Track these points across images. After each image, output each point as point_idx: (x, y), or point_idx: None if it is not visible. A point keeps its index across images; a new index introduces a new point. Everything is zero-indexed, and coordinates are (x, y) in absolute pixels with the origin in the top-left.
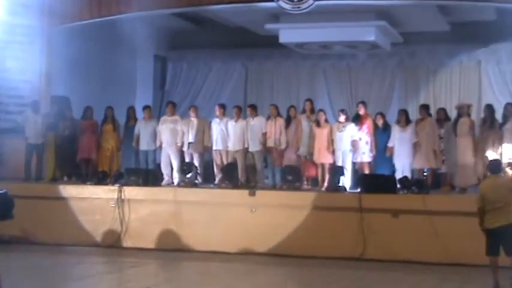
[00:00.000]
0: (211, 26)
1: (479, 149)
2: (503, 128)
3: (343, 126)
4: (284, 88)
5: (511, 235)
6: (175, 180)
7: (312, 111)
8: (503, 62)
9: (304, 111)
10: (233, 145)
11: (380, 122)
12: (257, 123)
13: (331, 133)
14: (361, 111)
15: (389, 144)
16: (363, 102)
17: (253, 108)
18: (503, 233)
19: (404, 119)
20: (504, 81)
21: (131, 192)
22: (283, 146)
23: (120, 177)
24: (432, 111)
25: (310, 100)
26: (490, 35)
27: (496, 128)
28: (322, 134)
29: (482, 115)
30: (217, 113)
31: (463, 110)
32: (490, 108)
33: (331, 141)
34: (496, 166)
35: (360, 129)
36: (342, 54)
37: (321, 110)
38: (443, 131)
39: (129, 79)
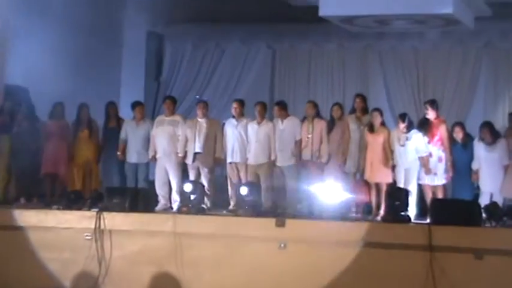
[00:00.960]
0: None
1: None
2: None
3: (406, 138)
4: (325, 79)
5: None
6: (175, 205)
7: (364, 111)
8: None
9: (353, 111)
10: (255, 157)
11: (459, 136)
12: (288, 127)
13: (389, 141)
14: (432, 115)
15: (474, 167)
16: (433, 102)
17: (283, 106)
18: None
19: (489, 135)
20: None
21: (114, 220)
22: (324, 159)
23: (99, 200)
24: None
25: (361, 96)
26: None
27: None
28: (376, 142)
29: None
30: (234, 112)
31: None
32: None
33: (389, 152)
34: None
35: (430, 141)
36: (406, 33)
37: (376, 110)
38: None
39: (111, 65)
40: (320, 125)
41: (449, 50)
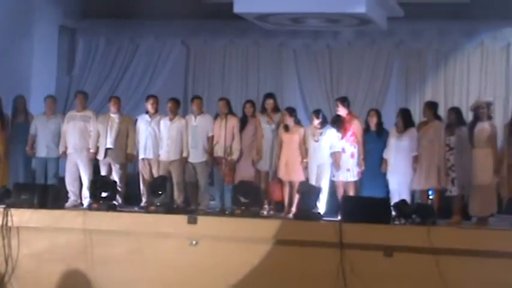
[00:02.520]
0: None
1: (503, 164)
2: None
3: (320, 134)
4: (239, 76)
5: None
6: (86, 201)
7: (275, 109)
8: None
9: (264, 110)
10: (167, 153)
11: (373, 123)
12: (201, 123)
13: (304, 140)
14: (343, 112)
15: (385, 156)
16: (344, 99)
17: (197, 102)
18: None
19: (402, 122)
20: None
21: (22, 216)
22: (235, 156)
23: (5, 196)
24: (442, 111)
25: (271, 96)
26: None
27: None
28: (291, 141)
29: (510, 117)
30: (151, 107)
31: (482, 111)
32: None
33: (304, 151)
34: None
35: (343, 137)
36: (320, 32)
37: (289, 109)
38: (453, 140)
39: (22, 58)
40: (232, 122)
41: (363, 49)
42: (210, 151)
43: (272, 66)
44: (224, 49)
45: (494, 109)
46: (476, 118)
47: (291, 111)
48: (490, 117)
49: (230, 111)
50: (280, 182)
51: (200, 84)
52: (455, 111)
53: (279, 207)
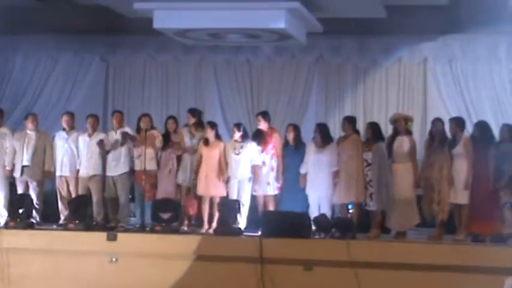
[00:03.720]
0: (59, 2)
1: (422, 178)
2: (453, 152)
3: (241, 147)
4: (160, 92)
5: None
6: (2, 219)
7: (199, 125)
8: (457, 60)
9: (187, 125)
10: (86, 169)
11: (291, 137)
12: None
13: (224, 155)
14: (264, 126)
15: (302, 171)
16: (265, 114)
17: (118, 116)
18: None
19: (320, 137)
20: (457, 86)
21: None
22: (156, 171)
23: None
24: (361, 126)
25: (194, 111)
26: (440, 24)
27: (446, 150)
28: (211, 156)
29: (428, 131)
30: (64, 124)
31: (400, 125)
32: (439, 123)
33: (224, 166)
34: None
35: (263, 151)
36: (240, 47)
37: (210, 123)
38: (371, 155)
39: None
40: (153, 137)
41: (283, 64)
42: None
43: (192, 81)
44: (144, 64)
45: (412, 124)
46: (396, 132)
47: (212, 125)
48: (409, 132)
49: (152, 127)
50: (197, 197)
51: (120, 100)
52: (373, 127)
53: (200, 222)
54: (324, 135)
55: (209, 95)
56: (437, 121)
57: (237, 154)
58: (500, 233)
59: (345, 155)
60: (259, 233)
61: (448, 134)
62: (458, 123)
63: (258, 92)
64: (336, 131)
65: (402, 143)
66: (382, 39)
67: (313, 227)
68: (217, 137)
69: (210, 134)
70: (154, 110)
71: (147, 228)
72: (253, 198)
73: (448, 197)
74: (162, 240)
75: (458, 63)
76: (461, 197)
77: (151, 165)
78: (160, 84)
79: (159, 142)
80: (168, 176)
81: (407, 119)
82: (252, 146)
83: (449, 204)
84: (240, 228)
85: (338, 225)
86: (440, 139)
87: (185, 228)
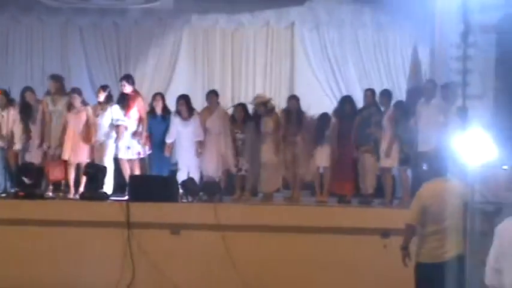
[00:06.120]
0: None
1: (287, 144)
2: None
3: (102, 109)
4: (24, 54)
5: (461, 272)
6: None
7: (61, 91)
8: (323, 25)
9: (48, 93)
10: None
11: (159, 105)
12: None
13: (92, 119)
14: (127, 89)
15: (168, 140)
16: (128, 77)
17: None
18: (452, 270)
19: (185, 108)
20: (324, 51)
21: None
22: (19, 146)
23: None
24: (229, 92)
25: (56, 78)
26: None
27: (306, 123)
28: (77, 122)
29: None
30: None
31: (261, 110)
32: (294, 101)
33: (92, 131)
34: (441, 164)
35: (126, 114)
36: (107, 9)
37: (75, 90)
38: (242, 136)
39: None
40: (14, 109)
41: (150, 27)
42: None
43: (58, 44)
44: (7, 27)
45: (275, 104)
46: (260, 113)
47: (78, 91)
48: (271, 111)
49: (10, 101)
50: (64, 163)
51: None
52: (242, 108)
53: (65, 188)
54: (187, 107)
55: (75, 57)
56: (292, 98)
57: (98, 116)
58: (363, 194)
59: (211, 126)
60: (126, 197)
61: (380, 105)
62: (387, 95)
63: (125, 56)
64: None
65: (266, 124)
66: (249, 2)
67: (181, 191)
68: (83, 102)
69: (76, 100)
70: (18, 78)
71: (10, 195)
72: (117, 162)
73: (310, 160)
74: (24, 207)
75: (325, 28)
76: (325, 159)
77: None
78: (24, 46)
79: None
80: (33, 142)
81: (266, 102)
82: (115, 108)
83: (313, 167)
84: (106, 193)
85: (206, 189)
86: (296, 115)
87: (50, 193)
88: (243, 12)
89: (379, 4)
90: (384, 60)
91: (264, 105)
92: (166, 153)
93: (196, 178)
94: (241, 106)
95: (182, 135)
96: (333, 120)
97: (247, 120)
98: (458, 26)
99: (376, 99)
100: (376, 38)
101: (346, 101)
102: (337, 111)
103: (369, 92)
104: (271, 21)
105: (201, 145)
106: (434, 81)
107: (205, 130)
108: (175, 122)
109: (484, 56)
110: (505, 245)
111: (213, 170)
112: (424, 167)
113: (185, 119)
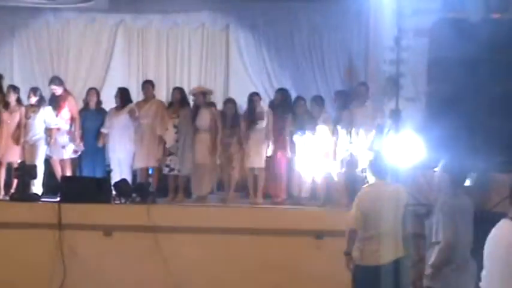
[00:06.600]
0: None
1: (221, 145)
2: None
3: (34, 112)
4: None
5: (399, 276)
6: None
7: None
8: (258, 26)
9: None
10: None
11: (92, 101)
12: None
13: (22, 121)
14: (58, 91)
15: (103, 130)
16: (56, 80)
17: None
18: (388, 274)
19: (121, 100)
20: (259, 52)
21: None
22: None
23: None
24: (164, 90)
25: None
26: None
27: (243, 125)
28: (12, 120)
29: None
30: None
31: (199, 100)
32: (230, 104)
33: (23, 131)
34: (380, 166)
35: (58, 114)
36: (40, 9)
37: (12, 87)
38: (177, 121)
39: None
40: None
41: (84, 27)
42: None
43: None
44: None
45: (210, 97)
46: (198, 105)
47: (14, 88)
48: (209, 104)
49: None
50: None
51: None
52: (180, 91)
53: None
54: (124, 99)
55: (6, 58)
56: (229, 102)
57: (29, 118)
58: (296, 196)
59: (146, 119)
60: (58, 198)
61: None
62: (318, 102)
63: (58, 55)
64: (139, 96)
65: (202, 116)
66: (184, 3)
67: (114, 192)
68: (18, 101)
69: (12, 98)
70: None
71: None
72: (49, 163)
73: (244, 162)
74: None
75: (260, 29)
76: (259, 161)
77: None
78: None
79: None
80: None
81: (206, 93)
82: (47, 110)
83: (246, 168)
84: (37, 194)
85: (138, 190)
86: (232, 118)
87: None
88: (178, 13)
89: (314, 6)
90: (319, 62)
91: (203, 95)
92: (100, 144)
93: (129, 178)
94: (178, 89)
95: (115, 125)
96: (268, 111)
97: (184, 105)
98: (392, 30)
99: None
100: (311, 40)
101: (280, 92)
102: (272, 102)
103: (302, 102)
104: (207, 23)
105: (135, 135)
106: (367, 84)
107: (139, 119)
108: (110, 114)
109: (417, 59)
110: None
111: (144, 159)
112: (362, 170)
113: (118, 109)
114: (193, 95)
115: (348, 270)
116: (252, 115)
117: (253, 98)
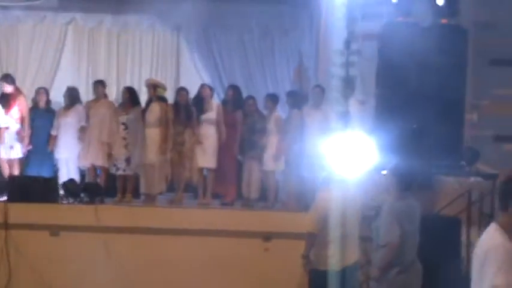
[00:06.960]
0: None
1: (173, 144)
2: (203, 117)
3: None
4: None
5: (354, 280)
6: None
7: None
8: (209, 28)
9: None
10: None
11: (42, 101)
12: None
13: None
14: (8, 89)
15: (53, 133)
16: (7, 77)
17: None
18: (344, 279)
19: (69, 100)
20: (210, 54)
21: None
22: None
23: None
24: (114, 90)
25: None
26: None
27: (194, 119)
28: None
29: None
30: None
31: (150, 92)
32: (184, 92)
33: None
34: (337, 169)
35: (7, 113)
36: None
37: None
38: (126, 118)
39: None
40: None
41: (34, 26)
42: None
43: None
44: None
45: (163, 91)
46: (150, 98)
47: None
48: (160, 99)
49: None
50: None
51: None
52: (130, 91)
53: None
54: (71, 98)
55: None
56: (182, 90)
57: None
58: (246, 197)
59: (96, 118)
60: (5, 198)
61: (264, 109)
62: (273, 99)
63: (7, 54)
64: (89, 95)
65: (152, 109)
66: (134, 3)
67: (62, 192)
68: None
69: None
70: None
71: None
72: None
73: (196, 161)
74: None
75: (211, 32)
76: (209, 161)
77: None
78: None
79: None
80: None
81: (157, 86)
82: None
83: (198, 168)
84: None
85: (87, 190)
86: (185, 109)
87: None
88: (129, 14)
89: (266, 9)
90: (270, 64)
91: (154, 88)
92: (50, 148)
93: (77, 178)
94: (128, 89)
95: (63, 125)
96: (219, 105)
97: (135, 104)
98: (342, 33)
99: (258, 106)
100: (262, 42)
101: (231, 88)
102: (224, 101)
103: (251, 101)
104: (157, 24)
105: (83, 131)
106: (322, 86)
107: (88, 118)
108: (58, 114)
109: (366, 63)
110: None
111: (92, 157)
112: (321, 173)
113: (66, 109)
114: (146, 86)
115: (305, 273)
116: (201, 104)
117: (203, 87)
